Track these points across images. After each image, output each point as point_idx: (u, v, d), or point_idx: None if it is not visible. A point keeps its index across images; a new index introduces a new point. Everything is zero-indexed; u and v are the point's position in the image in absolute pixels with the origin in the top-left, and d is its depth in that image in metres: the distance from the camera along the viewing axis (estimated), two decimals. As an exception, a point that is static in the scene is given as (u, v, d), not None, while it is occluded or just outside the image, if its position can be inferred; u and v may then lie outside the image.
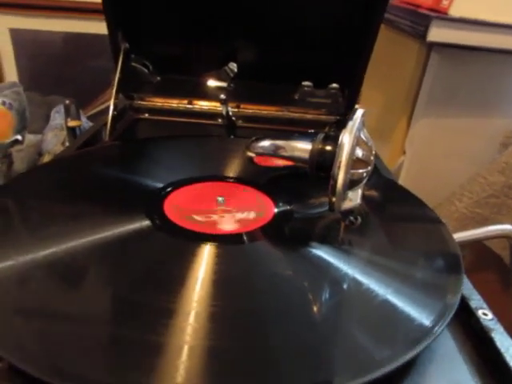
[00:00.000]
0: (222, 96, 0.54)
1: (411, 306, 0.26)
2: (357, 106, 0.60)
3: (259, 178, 0.39)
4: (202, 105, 0.57)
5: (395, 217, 0.36)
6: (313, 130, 0.35)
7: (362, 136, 0.30)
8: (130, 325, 0.24)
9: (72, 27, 0.98)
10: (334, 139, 0.30)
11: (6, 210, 0.34)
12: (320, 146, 0.32)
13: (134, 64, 0.56)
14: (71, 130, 0.58)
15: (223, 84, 0.56)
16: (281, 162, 0.35)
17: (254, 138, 0.38)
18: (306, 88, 0.56)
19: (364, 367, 0.22)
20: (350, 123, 0.28)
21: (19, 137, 0.64)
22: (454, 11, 0.57)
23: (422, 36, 0.58)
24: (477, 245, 0.61)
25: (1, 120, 0.65)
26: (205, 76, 0.57)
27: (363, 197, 0.32)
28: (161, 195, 0.36)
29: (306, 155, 0.33)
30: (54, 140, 0.63)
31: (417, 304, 0.26)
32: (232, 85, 0.56)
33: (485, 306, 0.28)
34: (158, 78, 0.58)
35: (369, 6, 0.48)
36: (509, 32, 0.58)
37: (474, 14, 0.57)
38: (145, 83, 0.58)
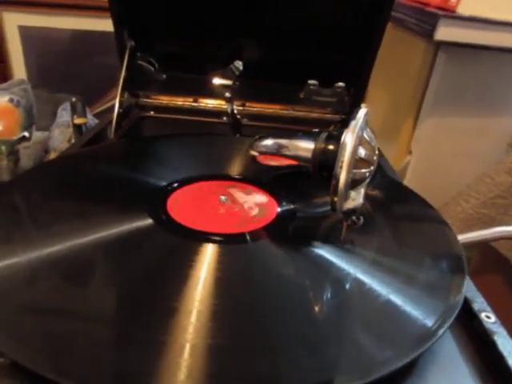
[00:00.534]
0: (228, 94, 0.54)
1: (413, 307, 0.26)
2: (363, 105, 0.60)
3: (262, 177, 0.39)
4: (208, 103, 0.58)
5: (398, 217, 0.36)
6: (317, 129, 0.35)
7: (365, 135, 0.30)
8: (131, 323, 0.24)
9: (80, 25, 0.98)
10: (336, 138, 0.30)
11: (11, 206, 0.34)
12: (322, 146, 0.32)
13: (139, 62, 0.57)
14: (77, 128, 0.59)
15: (228, 82, 0.56)
16: (284, 161, 0.35)
17: (257, 137, 0.37)
18: (311, 87, 0.56)
19: (364, 368, 0.22)
20: (353, 122, 0.28)
21: (26, 134, 0.65)
22: (462, 9, 0.57)
23: (429, 35, 0.58)
24: (483, 246, 0.60)
25: (8, 117, 0.66)
26: (210, 74, 0.56)
27: (366, 197, 0.32)
28: (164, 194, 0.36)
29: (309, 154, 0.33)
30: (60, 137, 0.63)
31: (419, 305, 0.26)
32: (237, 83, 0.56)
33: (488, 308, 0.28)
34: (164, 76, 0.58)
35: (375, 4, 0.48)
36: (517, 31, 0.58)
37: (482, 13, 0.56)
38: (150, 81, 0.58)
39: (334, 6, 0.51)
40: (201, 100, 0.58)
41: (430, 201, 0.37)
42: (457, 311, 0.25)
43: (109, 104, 1.01)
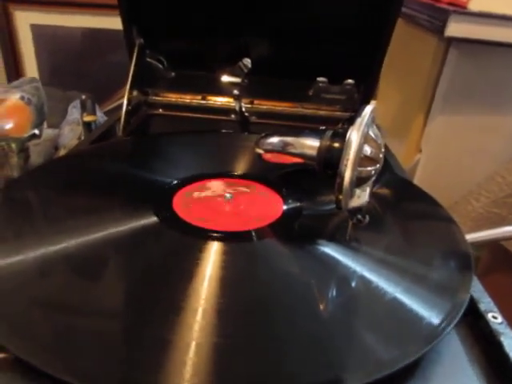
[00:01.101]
0: (236, 92, 0.54)
1: (418, 306, 0.25)
2: (372, 103, 0.60)
3: (268, 175, 0.39)
4: (216, 101, 0.58)
5: (406, 215, 0.36)
6: (324, 127, 0.35)
7: (371, 133, 0.29)
8: (136, 321, 0.24)
9: (91, 23, 0.99)
10: (342, 136, 0.29)
11: (18, 202, 0.34)
12: (328, 143, 0.32)
13: (148, 59, 0.57)
14: (87, 125, 0.59)
15: (237, 80, 0.56)
16: (290, 159, 0.35)
17: (263, 135, 0.37)
18: (320, 84, 0.56)
19: (368, 367, 0.22)
20: (358, 120, 0.28)
21: (37, 131, 0.66)
22: (474, 5, 0.56)
23: (440, 31, 0.57)
24: (493, 246, 0.59)
25: (19, 114, 0.66)
26: (219, 72, 0.56)
27: (373, 195, 0.32)
28: (170, 191, 0.36)
29: (314, 152, 0.32)
30: (70, 134, 0.64)
31: (424, 304, 0.26)
32: (246, 80, 0.56)
33: (495, 309, 0.27)
34: (173, 74, 0.58)
35: (385, -1, 0.47)
36: (531, 27, 0.57)
37: (493, 9, 0.55)
38: (159, 79, 0.58)
39: (344, 2, 0.50)
40: (209, 98, 0.58)
41: (440, 199, 0.37)
42: (462, 311, 0.25)
43: (119, 102, 1.01)
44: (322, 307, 0.26)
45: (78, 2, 0.97)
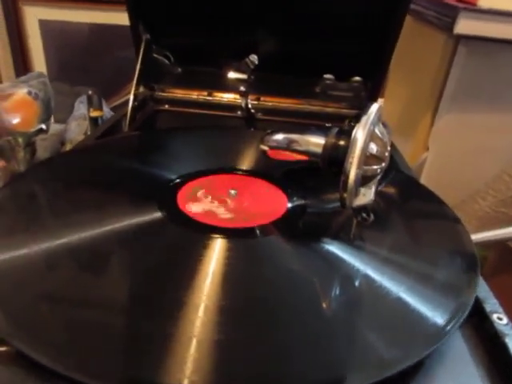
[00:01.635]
0: (242, 88, 0.54)
1: (422, 306, 0.25)
2: (379, 100, 0.59)
3: (273, 172, 0.39)
4: (222, 97, 0.57)
5: (411, 214, 0.36)
6: (330, 124, 0.34)
7: (377, 131, 0.29)
8: (139, 316, 0.24)
9: (99, 18, 0.99)
10: (347, 134, 0.29)
11: (24, 196, 0.34)
12: (333, 141, 0.31)
13: (155, 55, 0.57)
14: (93, 120, 0.59)
15: (243, 76, 0.56)
16: (295, 156, 0.35)
17: (268, 132, 0.37)
18: (327, 81, 0.56)
19: (372, 367, 0.22)
20: (364, 118, 0.28)
21: (44, 126, 0.66)
22: (483, 2, 0.55)
23: (448, 28, 0.56)
24: (500, 246, 0.59)
25: (27, 109, 0.66)
26: (225, 68, 0.56)
27: (378, 193, 0.32)
28: (174, 187, 0.36)
29: (320, 149, 0.32)
30: (76, 129, 0.64)
31: (428, 304, 0.25)
32: (252, 77, 0.55)
33: (500, 310, 0.27)
34: (179, 70, 0.58)
35: (394, -5, 0.47)
36: (542, 24, 0.56)
37: (504, 5, 0.55)
38: (166, 74, 0.58)
39: (351, -1, 0.50)
40: (215, 94, 0.58)
41: (446, 198, 0.37)
42: (467, 311, 0.25)
43: (125, 97, 1.01)
44: (325, 306, 0.26)
45: (86, -3, 0.97)
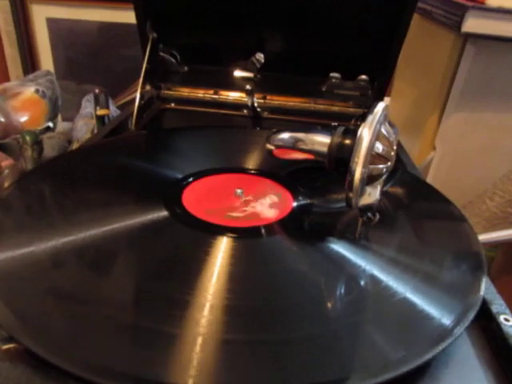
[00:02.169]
0: (248, 87, 0.54)
1: (428, 307, 0.25)
2: (386, 99, 0.59)
3: (278, 171, 0.39)
4: (228, 95, 0.57)
5: (417, 214, 0.35)
6: (336, 123, 0.34)
7: (383, 130, 0.29)
8: (144, 315, 0.24)
9: (106, 17, 1.00)
10: (353, 133, 0.29)
11: (31, 194, 0.35)
12: (339, 140, 0.31)
13: (161, 54, 0.57)
14: (100, 119, 0.60)
15: (250, 75, 0.56)
16: (300, 155, 0.35)
17: (273, 131, 0.37)
18: (333, 80, 0.56)
19: (375, 368, 0.21)
20: (370, 117, 0.28)
21: (51, 124, 0.66)
22: (492, 1, 0.55)
23: (456, 27, 0.56)
24: (508, 247, 0.58)
25: (34, 107, 0.67)
26: (231, 66, 0.56)
27: (384, 193, 0.31)
28: (180, 186, 0.36)
29: (325, 149, 0.32)
30: (83, 128, 0.64)
31: (434, 305, 0.25)
32: (258, 76, 0.55)
33: (507, 311, 0.27)
34: (186, 68, 0.58)
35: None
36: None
37: (512, 4, 0.54)
38: (172, 73, 0.58)
39: (358, -3, 0.50)
40: (222, 92, 0.58)
41: (453, 198, 0.36)
42: (474, 313, 0.25)
43: (132, 96, 1.02)
44: (330, 305, 0.26)
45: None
